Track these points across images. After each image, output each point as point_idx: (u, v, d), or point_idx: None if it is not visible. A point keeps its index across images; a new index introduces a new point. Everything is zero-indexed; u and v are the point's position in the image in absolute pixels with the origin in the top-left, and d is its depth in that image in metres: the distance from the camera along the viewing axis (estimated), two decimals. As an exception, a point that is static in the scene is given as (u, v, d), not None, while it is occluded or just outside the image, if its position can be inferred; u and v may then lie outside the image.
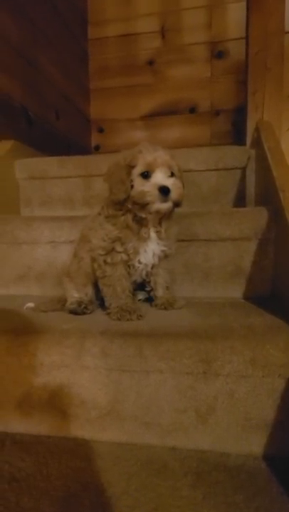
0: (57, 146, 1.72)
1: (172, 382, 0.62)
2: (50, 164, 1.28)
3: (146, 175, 0.70)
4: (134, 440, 0.64)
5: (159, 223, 0.76)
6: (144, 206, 0.70)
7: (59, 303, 0.82)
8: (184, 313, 0.77)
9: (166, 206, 0.70)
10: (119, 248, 0.74)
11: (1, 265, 1.02)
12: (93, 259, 0.77)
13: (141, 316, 0.72)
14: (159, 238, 0.77)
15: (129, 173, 0.71)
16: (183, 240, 0.90)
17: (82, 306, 0.77)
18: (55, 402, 0.66)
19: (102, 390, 0.64)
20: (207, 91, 2.09)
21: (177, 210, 0.76)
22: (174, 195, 0.69)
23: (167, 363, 0.61)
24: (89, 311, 0.78)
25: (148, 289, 0.84)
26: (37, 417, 0.67)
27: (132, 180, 0.71)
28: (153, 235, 0.76)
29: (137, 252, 0.75)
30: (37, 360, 0.66)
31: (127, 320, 0.71)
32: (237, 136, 1.96)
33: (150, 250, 0.77)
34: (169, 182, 0.69)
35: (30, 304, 0.80)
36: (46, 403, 0.67)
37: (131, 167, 0.71)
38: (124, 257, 0.75)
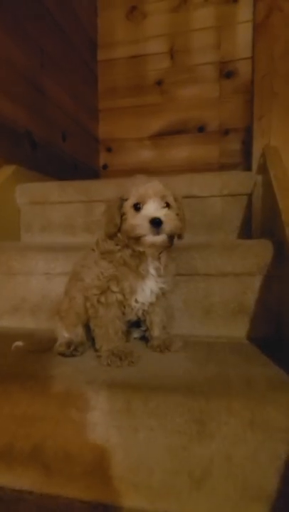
0: (63, 168, 1.71)
1: (163, 440, 0.56)
2: (50, 189, 1.26)
3: (138, 207, 0.67)
4: (122, 502, 0.58)
5: (158, 258, 0.72)
6: (137, 240, 0.66)
7: (49, 342, 0.77)
8: (180, 358, 0.72)
9: (159, 239, 0.65)
10: (114, 288, 0.70)
11: (-4, 295, 0.99)
12: (86, 298, 0.73)
13: (132, 362, 0.67)
14: (158, 275, 0.72)
15: (118, 208, 0.68)
16: (182, 275, 0.85)
17: (72, 348, 0.73)
18: (38, 455, 0.61)
19: (87, 446, 0.59)
20: (216, 110, 2.07)
21: (179, 241, 0.72)
22: (167, 227, 0.64)
23: (157, 420, 0.56)
24: (79, 353, 0.73)
25: (143, 328, 0.79)
26: (19, 470, 0.62)
27: (124, 214, 0.68)
28: (152, 271, 0.71)
29: (133, 292, 0.71)
30: (19, 409, 0.62)
31: (118, 366, 0.66)
32: (246, 155, 1.92)
33: (148, 288, 0.72)
34: (161, 213, 0.65)
35: (19, 343, 0.76)
36: (28, 456, 0.62)
37: (124, 200, 0.68)
38: (120, 297, 0.70)
